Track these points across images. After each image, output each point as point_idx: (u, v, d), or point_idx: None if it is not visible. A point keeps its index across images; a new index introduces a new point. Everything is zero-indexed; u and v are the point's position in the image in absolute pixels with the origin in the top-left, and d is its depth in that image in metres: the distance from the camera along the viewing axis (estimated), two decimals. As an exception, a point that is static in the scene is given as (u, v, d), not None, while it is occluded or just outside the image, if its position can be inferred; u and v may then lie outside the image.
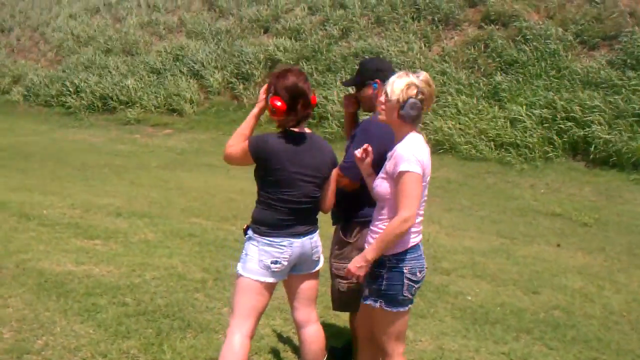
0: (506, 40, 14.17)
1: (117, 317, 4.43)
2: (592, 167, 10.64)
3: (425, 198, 2.94)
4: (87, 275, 5.29)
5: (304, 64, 15.66)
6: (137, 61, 18.07)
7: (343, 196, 3.40)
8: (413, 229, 2.91)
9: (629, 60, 12.27)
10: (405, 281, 2.91)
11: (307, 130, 3.17)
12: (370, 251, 2.90)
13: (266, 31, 17.87)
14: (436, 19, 15.59)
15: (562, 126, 11.25)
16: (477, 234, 7.40)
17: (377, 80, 3.53)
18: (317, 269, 3.28)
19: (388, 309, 2.93)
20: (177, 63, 17.31)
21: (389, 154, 2.94)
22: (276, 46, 16.57)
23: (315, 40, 16.36)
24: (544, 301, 5.19)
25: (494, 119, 11.84)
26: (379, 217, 2.98)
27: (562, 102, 11.58)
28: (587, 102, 11.40)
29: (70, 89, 17.86)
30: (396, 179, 2.82)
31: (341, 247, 3.52)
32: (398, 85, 2.86)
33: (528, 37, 13.90)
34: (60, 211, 7.56)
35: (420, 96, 2.87)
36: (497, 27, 14.68)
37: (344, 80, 3.99)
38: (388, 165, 2.90)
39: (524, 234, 7.52)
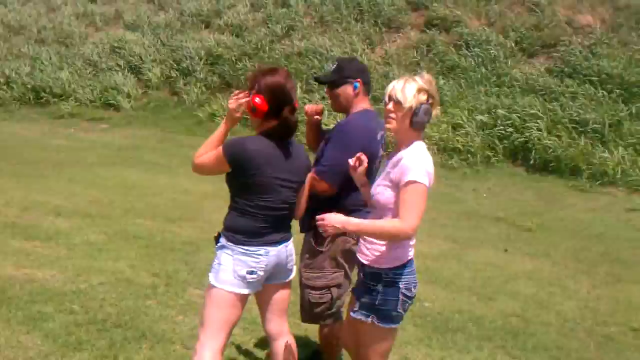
0: (448, 45, 14.39)
1: (65, 326, 4.18)
2: (532, 172, 10.89)
3: None
4: (29, 280, 4.99)
5: (247, 61, 15.46)
6: (71, 53, 17.37)
7: (315, 202, 3.26)
8: (411, 242, 2.82)
9: (566, 69, 12.66)
10: (401, 297, 2.82)
11: None
12: (356, 224, 2.74)
13: (207, 26, 17.55)
14: (379, 21, 15.68)
15: (502, 132, 11.48)
16: (427, 238, 7.38)
17: (359, 80, 3.44)
18: (290, 278, 3.15)
19: (380, 324, 2.82)
20: (114, 56, 16.75)
21: (392, 160, 2.80)
22: (217, 42, 16.27)
23: (257, 38, 16.18)
24: (500, 308, 5.22)
25: (437, 124, 11.95)
26: None
27: (502, 109, 11.79)
28: (527, 109, 11.65)
29: (0, 79, 17.02)
30: (402, 187, 2.68)
31: (312, 256, 3.40)
32: (410, 92, 2.70)
33: (469, 42, 14.16)
34: (-6, 209, 7.16)
35: (430, 100, 2.76)
36: (439, 31, 14.89)
37: (316, 76, 3.75)
38: (393, 173, 2.75)
39: (472, 239, 7.58)
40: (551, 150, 10.77)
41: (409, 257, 2.85)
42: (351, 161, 2.98)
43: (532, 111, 11.52)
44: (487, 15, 14.95)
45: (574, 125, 11.11)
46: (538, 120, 11.30)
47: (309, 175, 3.15)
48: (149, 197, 8.58)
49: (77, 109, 15.49)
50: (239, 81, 15.12)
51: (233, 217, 2.94)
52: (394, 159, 2.81)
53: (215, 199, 8.69)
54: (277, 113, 2.89)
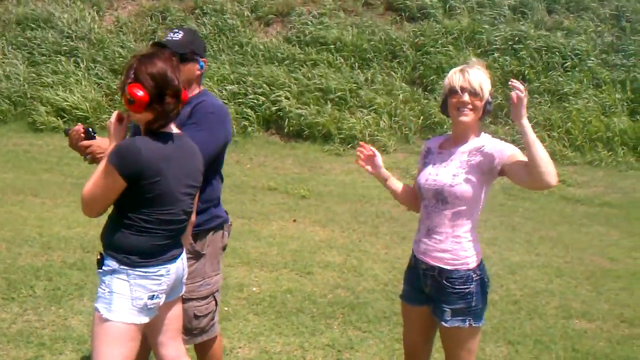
0: (184, 12, 13.97)
1: None
2: (287, 140, 11.17)
3: None
4: None
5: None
6: None
7: None
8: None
9: (303, 38, 13.10)
10: (487, 290, 2.75)
11: (174, 129, 2.59)
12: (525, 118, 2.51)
13: None
14: (104, -15, 14.59)
15: (255, 101, 11.55)
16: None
17: (205, 59, 3.09)
18: (183, 291, 2.77)
19: (476, 324, 2.71)
20: None
21: (464, 150, 2.71)
22: None
23: (-40, 4, 13.97)
24: (322, 281, 5.28)
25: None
26: (459, 222, 2.70)
27: (250, 78, 11.86)
28: (273, 78, 11.87)
29: None
30: (510, 156, 2.59)
31: (193, 261, 3.01)
32: (486, 83, 2.67)
33: (205, 10, 13.91)
34: None
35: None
36: (171, -1, 14.37)
37: (164, 41, 3.04)
38: (476, 160, 2.66)
39: (257, 212, 7.55)
40: (302, 117, 11.15)
41: None
42: (362, 163, 3.04)
43: (279, 80, 11.76)
44: (220, -19, 14.79)
45: (319, 93, 11.60)
46: (287, 89, 11.58)
47: None
48: None
49: None
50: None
51: (124, 236, 2.46)
52: (468, 147, 2.72)
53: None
54: (160, 102, 2.44)
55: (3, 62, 12.61)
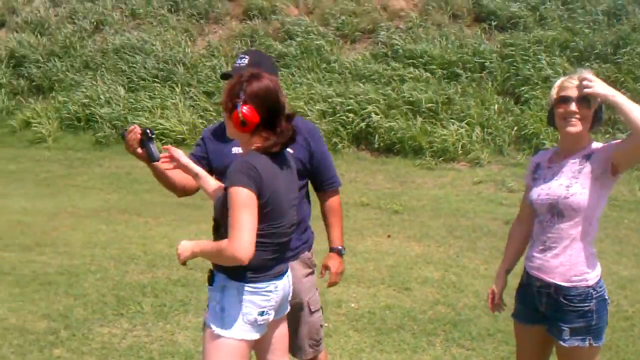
0: (271, 35, 14.27)
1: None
2: (377, 155, 11.16)
3: None
4: None
5: (56, 61, 14.14)
6: None
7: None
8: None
9: (390, 53, 13.09)
10: (608, 308, 2.65)
11: None
12: None
13: (2, 25, 15.75)
14: (195, 12, 15.12)
15: (344, 118, 11.61)
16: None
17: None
18: (288, 310, 2.79)
19: (596, 344, 2.61)
20: None
21: (582, 157, 2.62)
22: (19, 42, 14.66)
23: (64, 35, 14.82)
24: (421, 297, 5.22)
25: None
26: (576, 236, 2.61)
27: (339, 96, 11.93)
28: (361, 95, 11.90)
29: None
30: (615, 145, 2.55)
31: (310, 276, 3.10)
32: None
33: (291, 31, 14.15)
34: None
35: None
36: (259, 21, 14.71)
37: (226, 72, 3.11)
38: (590, 167, 2.58)
39: (350, 228, 7.52)
40: (393, 132, 11.11)
41: None
42: None
43: (368, 96, 11.79)
44: (305, 3, 15.03)
45: (408, 106, 11.54)
46: (375, 105, 11.58)
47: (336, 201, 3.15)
48: (-17, 222, 7.46)
49: None
50: (51, 83, 13.80)
51: None
52: (578, 157, 2.63)
53: (61, 216, 7.86)
54: (271, 125, 2.50)
55: (104, 89, 13.26)
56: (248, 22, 14.71)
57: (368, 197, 9.06)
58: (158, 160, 2.78)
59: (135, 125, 2.81)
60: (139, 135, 2.74)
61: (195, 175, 2.79)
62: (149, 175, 9.39)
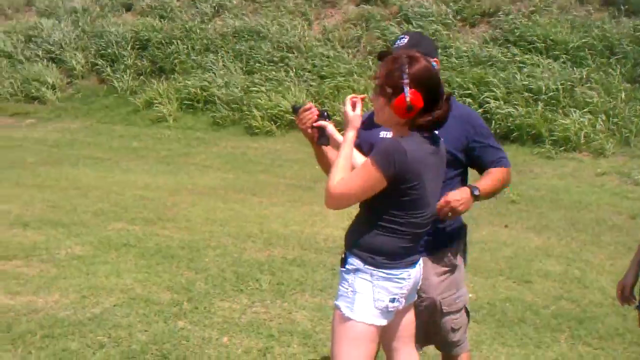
0: (387, 18, 14.11)
1: (105, 366, 3.61)
2: (494, 142, 10.80)
3: None
4: (33, 310, 4.36)
5: (179, 43, 14.64)
6: (-18, 44, 15.95)
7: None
8: None
9: (510, 37, 12.62)
10: None
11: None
12: None
13: (129, 9, 16.52)
14: (313, -4, 15.21)
15: (461, 102, 11.31)
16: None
17: (437, 60, 3.00)
18: (415, 298, 2.73)
19: None
20: (31, 45, 15.47)
21: None
22: (144, 25, 15.32)
23: (185, 19, 15.34)
24: (543, 291, 5.01)
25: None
26: None
27: (457, 79, 11.66)
28: (479, 79, 11.56)
29: None
30: None
31: (448, 275, 2.93)
32: None
33: (409, 15, 13.92)
34: (-51, 226, 6.32)
35: None
36: (376, 5, 14.57)
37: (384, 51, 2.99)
38: None
39: (466, 216, 7.31)
40: (511, 118, 10.73)
41: None
42: None
43: (486, 80, 11.44)
44: (424, -15, 14.73)
45: (528, 94, 11.10)
46: (494, 90, 11.23)
47: (498, 170, 2.94)
48: (112, 197, 7.88)
49: (-2, 104, 14.29)
50: (173, 65, 14.34)
51: (373, 236, 2.45)
52: None
53: (181, 192, 8.16)
54: (431, 108, 2.39)
55: (222, 72, 13.62)
56: (364, 5, 14.62)
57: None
58: (327, 145, 2.72)
59: (312, 104, 2.75)
60: (316, 116, 2.69)
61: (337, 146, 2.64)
62: (263, 156, 9.67)
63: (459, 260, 2.98)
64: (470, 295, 4.75)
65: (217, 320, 4.26)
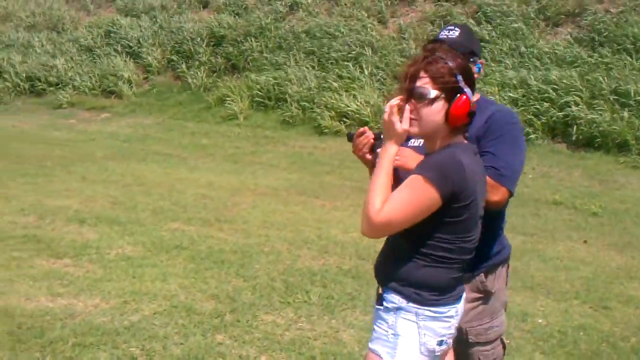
0: (466, 17, 13.56)
1: (132, 381, 3.40)
2: (575, 149, 10.15)
3: None
4: (70, 315, 4.20)
5: (252, 41, 14.57)
6: (64, 39, 16.38)
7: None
8: None
9: (597, 38, 11.85)
10: None
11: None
12: None
13: (205, 6, 16.60)
14: (389, -6, 14.81)
15: (538, 107, 10.71)
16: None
17: (482, 61, 2.64)
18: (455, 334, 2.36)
19: None
20: (110, 40, 15.79)
21: None
22: (219, 22, 15.34)
23: (260, 16, 15.25)
24: (623, 320, 4.49)
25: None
26: None
27: (535, 83, 11.02)
28: (561, 82, 10.89)
29: (-9, 70, 16.00)
30: None
31: (480, 302, 2.56)
32: None
33: (488, 14, 13.33)
34: (9, 219, 6.33)
35: None
36: (454, 3, 14.05)
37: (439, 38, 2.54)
38: None
39: (540, 229, 6.86)
40: (595, 124, 10.03)
41: None
42: None
43: (568, 83, 10.75)
44: (505, -17, 14.09)
45: (615, 97, 10.36)
46: (576, 94, 10.54)
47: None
48: (173, 195, 7.77)
49: (76, 97, 14.66)
50: (246, 62, 14.28)
51: (417, 268, 2.08)
52: None
53: (243, 192, 7.98)
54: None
55: (294, 70, 13.43)
56: (443, 3, 14.11)
57: (562, 195, 8.23)
58: None
59: (367, 128, 2.44)
60: (372, 140, 2.39)
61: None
62: (330, 157, 9.38)
63: (496, 285, 2.58)
64: (539, 320, 4.36)
65: (257, 336, 3.98)
